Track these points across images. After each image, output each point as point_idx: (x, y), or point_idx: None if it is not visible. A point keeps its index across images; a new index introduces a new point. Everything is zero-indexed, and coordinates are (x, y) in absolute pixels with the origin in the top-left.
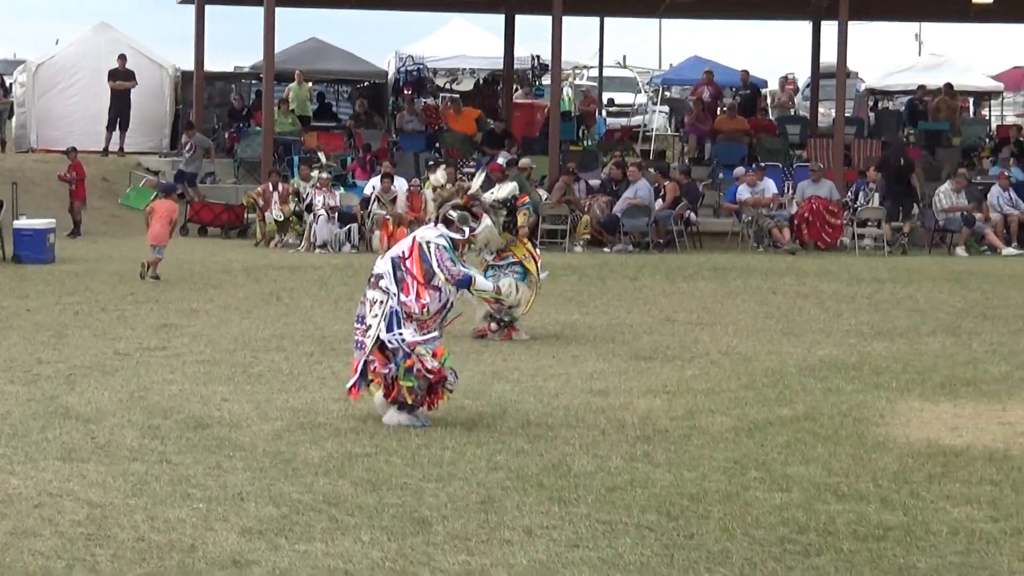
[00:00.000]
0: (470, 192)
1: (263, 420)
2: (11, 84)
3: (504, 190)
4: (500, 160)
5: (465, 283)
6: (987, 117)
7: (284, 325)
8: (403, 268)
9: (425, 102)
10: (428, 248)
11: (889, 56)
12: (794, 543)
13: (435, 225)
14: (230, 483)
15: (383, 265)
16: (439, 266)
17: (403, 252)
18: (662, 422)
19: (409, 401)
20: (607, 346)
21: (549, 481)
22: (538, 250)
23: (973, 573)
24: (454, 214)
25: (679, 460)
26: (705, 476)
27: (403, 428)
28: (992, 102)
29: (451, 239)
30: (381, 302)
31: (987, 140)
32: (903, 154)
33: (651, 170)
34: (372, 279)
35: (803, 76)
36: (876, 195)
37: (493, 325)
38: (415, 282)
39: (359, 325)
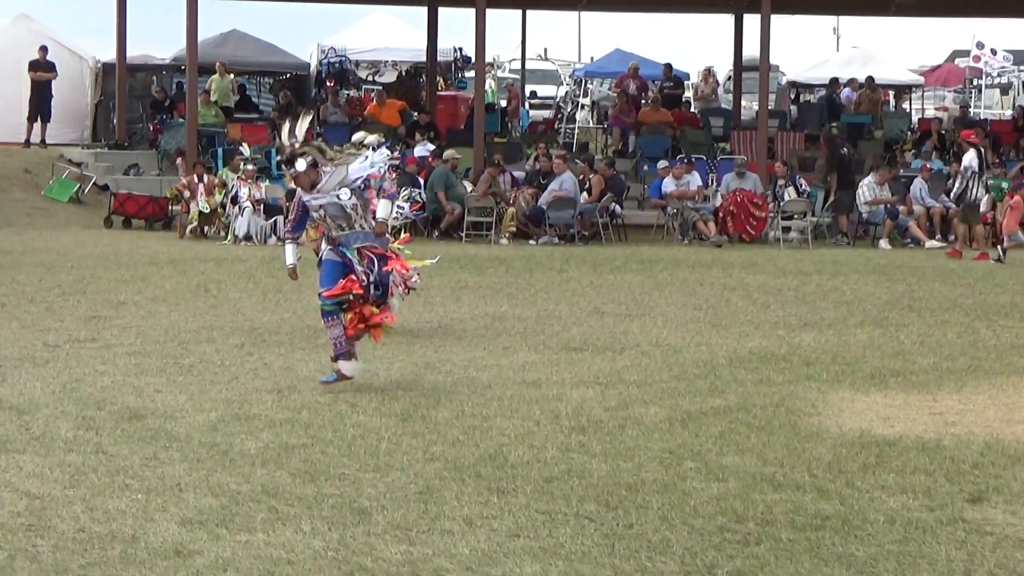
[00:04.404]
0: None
1: (197, 411)
2: None
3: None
4: (418, 150)
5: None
6: (908, 111)
7: (213, 317)
8: None
9: (348, 94)
10: None
11: (809, 49)
12: (733, 532)
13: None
14: (167, 474)
15: None
16: None
17: None
18: (596, 412)
19: None
20: (537, 337)
21: (487, 471)
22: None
23: (911, 562)
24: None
25: (615, 450)
26: (641, 466)
27: (338, 418)
28: (912, 95)
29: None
30: None
31: (909, 133)
32: (847, 146)
33: (578, 162)
34: None
35: (723, 69)
36: (791, 188)
37: None
38: None
39: None
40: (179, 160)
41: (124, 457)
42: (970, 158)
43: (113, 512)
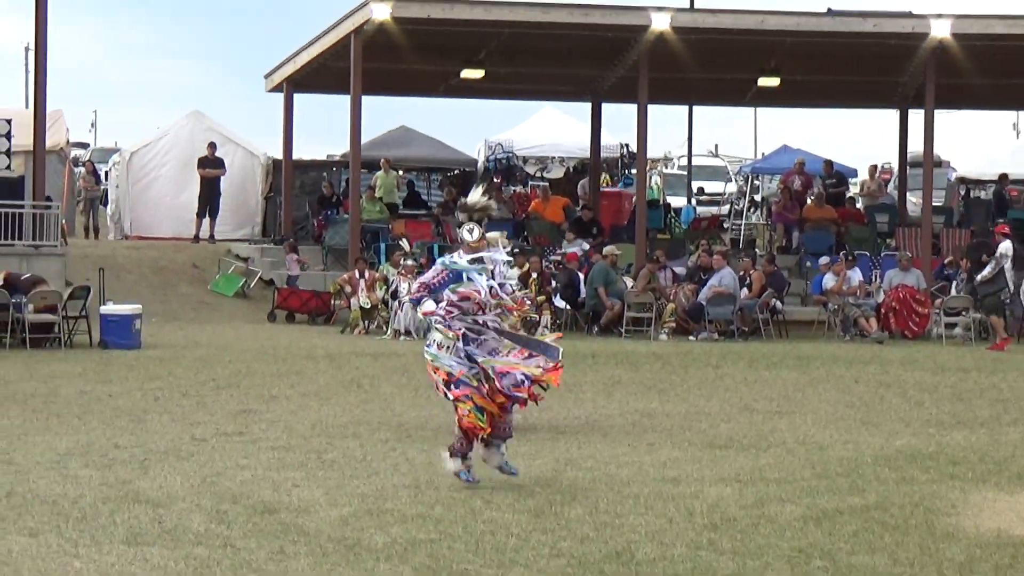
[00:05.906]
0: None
1: (331, 506)
2: (106, 172)
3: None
4: (570, 247)
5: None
6: None
7: (362, 412)
8: None
9: (514, 190)
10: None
11: (984, 144)
12: None
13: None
14: (291, 568)
15: None
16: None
17: None
18: (731, 510)
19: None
20: (683, 434)
21: (611, 568)
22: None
23: None
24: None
25: (744, 549)
26: (768, 565)
27: (470, 514)
28: None
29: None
30: None
31: None
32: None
33: (744, 258)
34: None
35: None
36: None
37: None
38: None
39: None
40: (291, 254)
41: (251, 551)
42: (1006, 247)
43: None
